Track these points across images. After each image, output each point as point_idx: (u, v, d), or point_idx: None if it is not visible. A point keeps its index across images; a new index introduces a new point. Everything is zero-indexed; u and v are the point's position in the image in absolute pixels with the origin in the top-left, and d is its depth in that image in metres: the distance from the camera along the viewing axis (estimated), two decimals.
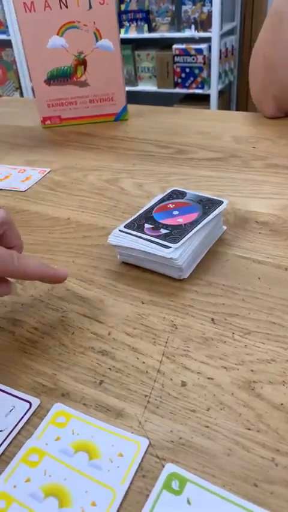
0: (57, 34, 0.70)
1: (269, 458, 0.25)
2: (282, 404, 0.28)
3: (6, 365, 0.32)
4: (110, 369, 0.31)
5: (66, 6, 0.68)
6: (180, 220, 0.41)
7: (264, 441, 0.26)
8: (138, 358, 0.32)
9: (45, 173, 0.62)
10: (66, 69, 0.74)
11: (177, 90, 2.47)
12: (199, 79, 2.38)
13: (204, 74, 2.35)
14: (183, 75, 2.40)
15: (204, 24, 2.22)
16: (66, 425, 0.27)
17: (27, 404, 0.29)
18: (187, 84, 2.43)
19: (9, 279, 0.33)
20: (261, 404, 0.28)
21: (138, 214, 0.43)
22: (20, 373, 0.31)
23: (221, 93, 2.43)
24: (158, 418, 0.27)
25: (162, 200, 0.45)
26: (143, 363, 0.31)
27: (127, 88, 2.56)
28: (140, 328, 0.34)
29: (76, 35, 0.70)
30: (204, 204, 0.43)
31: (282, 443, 0.25)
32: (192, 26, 2.26)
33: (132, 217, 0.42)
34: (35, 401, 0.29)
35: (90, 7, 0.68)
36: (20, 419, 0.28)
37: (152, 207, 0.44)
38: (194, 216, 0.42)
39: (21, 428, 0.27)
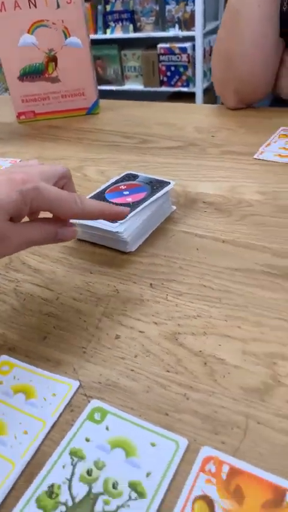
0: (28, 32, 0.74)
1: (182, 393, 0.28)
2: (200, 351, 0.31)
3: None
4: (54, 327, 0.35)
5: (35, 6, 0.71)
6: (129, 199, 0.45)
7: (180, 381, 0.29)
8: (80, 318, 0.35)
9: (16, 163, 0.65)
10: (38, 66, 0.77)
11: (163, 88, 2.52)
12: (184, 77, 2.42)
13: (189, 72, 2.40)
14: (168, 73, 2.45)
15: (187, 23, 2.27)
16: (9, 372, 0.31)
17: None
18: (173, 83, 2.47)
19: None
20: (182, 351, 0.31)
21: (91, 195, 0.46)
22: None
23: (206, 90, 2.47)
24: (91, 365, 0.31)
25: (115, 182, 0.49)
26: (84, 321, 0.35)
27: (114, 87, 2.59)
28: (85, 294, 0.38)
29: (46, 33, 0.74)
30: (153, 185, 0.47)
31: (195, 382, 0.29)
32: (176, 25, 2.30)
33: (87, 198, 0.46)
34: None
35: (58, 6, 0.72)
36: None
37: (105, 189, 0.47)
38: (142, 195, 0.45)
39: None
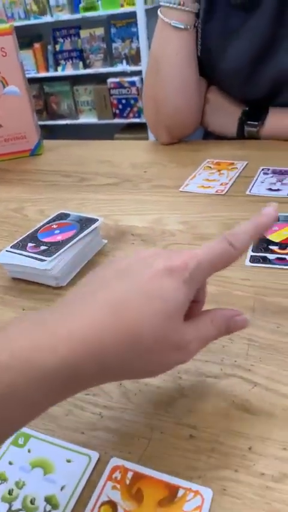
0: None
1: (98, 413, 0.32)
2: None
3: None
4: None
5: None
6: (59, 238, 0.49)
7: (97, 401, 0.33)
8: None
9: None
10: None
11: (117, 120, 2.61)
12: (135, 109, 2.53)
13: (140, 104, 2.50)
14: (120, 106, 2.55)
15: (134, 58, 2.39)
16: None
17: None
18: (125, 114, 2.57)
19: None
20: None
21: (24, 236, 0.50)
22: None
23: None
24: None
25: (48, 222, 0.53)
26: None
27: (69, 121, 2.65)
28: None
29: None
30: (83, 222, 0.51)
31: (110, 402, 0.33)
32: (124, 61, 2.42)
33: (19, 239, 0.50)
34: None
35: None
36: None
37: (38, 229, 0.51)
38: (71, 233, 0.49)
39: None
